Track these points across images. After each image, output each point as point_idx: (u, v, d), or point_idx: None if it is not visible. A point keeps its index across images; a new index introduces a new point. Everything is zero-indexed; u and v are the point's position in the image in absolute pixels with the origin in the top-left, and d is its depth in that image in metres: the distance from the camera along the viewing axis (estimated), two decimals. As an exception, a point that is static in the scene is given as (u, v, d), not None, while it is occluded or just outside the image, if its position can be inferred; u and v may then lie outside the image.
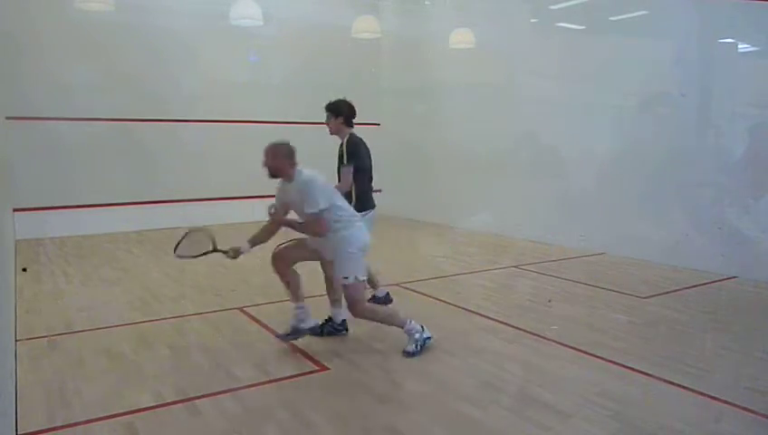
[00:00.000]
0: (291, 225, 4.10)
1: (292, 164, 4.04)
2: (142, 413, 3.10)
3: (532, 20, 8.70)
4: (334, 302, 4.38)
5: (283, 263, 4.14)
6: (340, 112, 4.61)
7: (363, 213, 4.41)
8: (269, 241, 4.18)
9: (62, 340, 4.23)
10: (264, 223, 4.25)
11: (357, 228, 3.99)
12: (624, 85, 7.21)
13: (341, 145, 4.63)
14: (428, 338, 4.01)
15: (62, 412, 3.10)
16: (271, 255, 4.15)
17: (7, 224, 6.42)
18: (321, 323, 4.29)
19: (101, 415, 3.07)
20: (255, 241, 4.16)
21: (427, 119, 10.05)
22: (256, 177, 9.66)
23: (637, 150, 7.12)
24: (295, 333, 4.08)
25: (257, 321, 4.67)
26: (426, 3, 10.67)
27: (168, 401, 3.24)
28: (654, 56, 6.94)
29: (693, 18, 6.71)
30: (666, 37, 6.96)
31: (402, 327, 3.98)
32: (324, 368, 3.73)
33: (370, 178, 4.73)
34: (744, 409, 3.19)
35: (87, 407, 3.16)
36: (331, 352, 4.00)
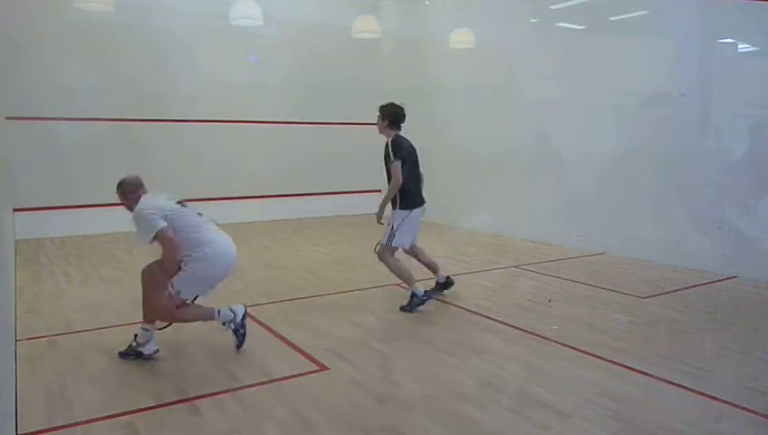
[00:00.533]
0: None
1: (135, 198, 3.85)
2: (142, 413, 3.10)
3: (532, 20, 8.70)
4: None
5: None
6: (385, 116, 4.98)
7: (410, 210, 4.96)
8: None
9: (62, 340, 4.23)
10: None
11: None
12: (624, 85, 7.21)
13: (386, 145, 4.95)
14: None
15: (62, 412, 3.10)
16: None
17: (7, 224, 6.42)
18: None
19: (101, 415, 3.07)
20: None
21: (427, 119, 10.04)
22: (256, 177, 9.74)
23: (637, 150, 7.12)
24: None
25: (257, 321, 4.67)
26: (426, 3, 10.67)
27: (168, 401, 3.24)
28: (654, 56, 6.94)
29: (693, 18, 6.71)
30: (666, 37, 6.96)
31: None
32: (324, 368, 3.73)
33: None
34: (744, 409, 3.19)
35: (87, 407, 3.16)
36: (331, 352, 4.00)
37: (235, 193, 9.70)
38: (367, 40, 9.90)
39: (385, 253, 4.94)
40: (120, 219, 8.79)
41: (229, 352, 4.00)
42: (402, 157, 4.82)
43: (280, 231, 8.95)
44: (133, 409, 3.14)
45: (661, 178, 6.91)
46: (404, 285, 5.04)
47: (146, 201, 3.78)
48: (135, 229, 3.76)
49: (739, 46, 6.51)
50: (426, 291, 4.98)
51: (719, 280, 6.11)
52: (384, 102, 5.06)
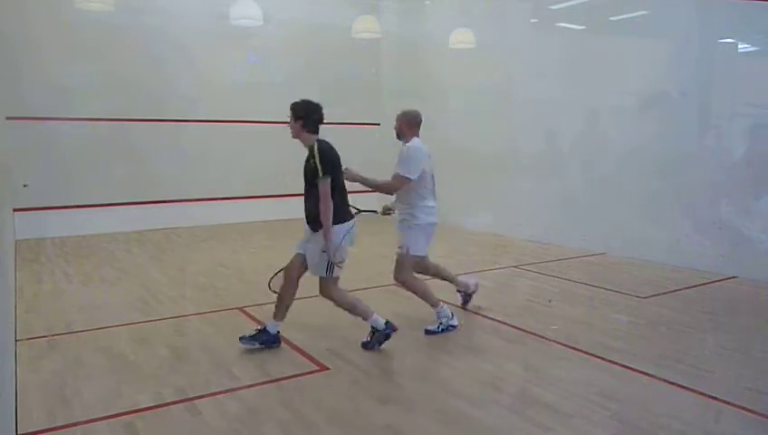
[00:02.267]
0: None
1: (413, 132, 4.43)
2: (142, 413, 3.10)
3: (532, 20, 8.70)
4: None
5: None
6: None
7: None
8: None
9: (62, 340, 4.23)
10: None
11: None
12: (624, 85, 7.20)
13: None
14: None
15: (62, 412, 3.10)
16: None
17: (7, 224, 6.42)
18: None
19: (101, 415, 3.07)
20: None
21: (427, 119, 10.00)
22: (256, 177, 9.71)
23: (637, 150, 7.12)
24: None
25: (257, 321, 4.67)
26: (426, 3, 10.67)
27: (168, 401, 3.24)
28: (654, 56, 6.94)
29: (693, 18, 6.71)
30: (666, 37, 6.96)
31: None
32: (324, 368, 3.73)
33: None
34: (744, 409, 3.19)
35: (87, 407, 3.16)
36: (331, 352, 4.00)
37: (235, 193, 9.70)
38: (367, 40, 9.89)
39: (328, 287, 4.04)
40: (120, 219, 8.89)
41: (229, 353, 4.00)
42: (332, 166, 4.02)
43: (280, 231, 8.94)
44: (133, 409, 3.14)
45: (661, 178, 6.91)
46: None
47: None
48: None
49: (739, 46, 6.51)
50: (386, 321, 4.09)
51: (719, 280, 6.11)
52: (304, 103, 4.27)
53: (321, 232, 3.83)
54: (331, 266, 3.92)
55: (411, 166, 4.27)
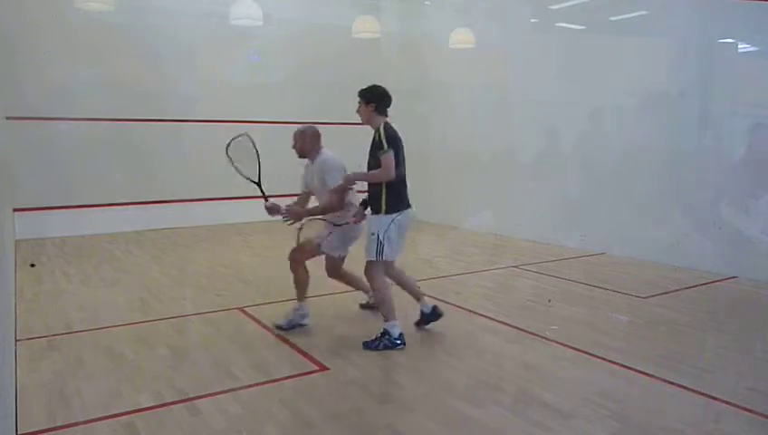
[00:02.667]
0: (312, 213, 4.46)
1: (318, 146, 4.57)
2: (142, 413, 3.10)
3: (532, 20, 8.70)
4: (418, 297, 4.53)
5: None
6: (371, 100, 4.23)
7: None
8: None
9: (62, 340, 4.22)
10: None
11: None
12: (624, 85, 7.20)
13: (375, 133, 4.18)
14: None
15: (62, 412, 3.10)
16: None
17: (7, 224, 6.42)
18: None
19: (101, 415, 3.07)
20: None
21: (427, 119, 10.05)
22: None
23: (637, 150, 7.12)
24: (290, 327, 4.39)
25: (257, 321, 4.67)
26: (426, 3, 10.67)
27: (168, 401, 3.24)
28: (654, 56, 6.94)
29: (693, 18, 6.71)
30: (666, 37, 6.96)
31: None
32: (324, 368, 3.73)
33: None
34: (744, 409, 3.20)
35: (87, 407, 3.16)
36: (331, 352, 4.00)
37: (235, 193, 9.68)
38: (367, 40, 9.89)
39: (374, 269, 4.12)
40: (120, 219, 8.89)
41: (229, 353, 4.00)
42: (394, 148, 4.07)
43: (280, 231, 8.92)
44: (133, 409, 3.14)
45: (661, 178, 6.91)
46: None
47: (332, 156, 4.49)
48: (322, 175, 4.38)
49: (739, 46, 6.51)
50: (401, 334, 4.10)
51: (719, 280, 6.11)
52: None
53: (374, 215, 4.10)
54: (380, 250, 4.04)
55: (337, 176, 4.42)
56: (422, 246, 8.28)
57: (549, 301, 5.31)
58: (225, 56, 9.57)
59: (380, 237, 4.02)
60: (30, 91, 8.08)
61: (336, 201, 4.32)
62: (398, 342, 4.05)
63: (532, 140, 8.46)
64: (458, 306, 5.09)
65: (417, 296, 4.49)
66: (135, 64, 8.81)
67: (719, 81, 6.56)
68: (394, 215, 4.05)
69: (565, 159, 8.05)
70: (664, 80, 6.87)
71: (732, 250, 6.29)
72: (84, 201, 8.61)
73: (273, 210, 4.47)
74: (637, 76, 7.03)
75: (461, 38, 9.11)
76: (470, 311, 4.98)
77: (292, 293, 4.57)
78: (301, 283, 4.49)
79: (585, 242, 7.65)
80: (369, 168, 4.14)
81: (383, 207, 4.04)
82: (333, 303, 5.17)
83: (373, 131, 4.15)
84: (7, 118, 7.65)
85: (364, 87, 4.31)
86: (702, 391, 3.41)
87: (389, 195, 4.05)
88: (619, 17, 7.54)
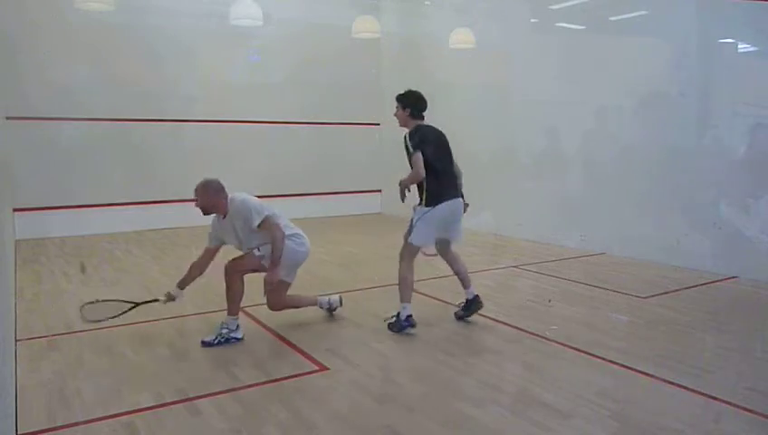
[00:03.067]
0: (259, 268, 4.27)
1: (225, 197, 4.25)
2: (142, 413, 3.10)
3: (532, 20, 8.70)
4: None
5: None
6: (407, 104, 4.60)
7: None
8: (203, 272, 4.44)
9: (62, 340, 4.23)
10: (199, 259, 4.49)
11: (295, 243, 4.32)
12: (624, 85, 7.20)
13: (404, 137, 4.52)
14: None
15: (62, 412, 3.10)
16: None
17: (7, 224, 6.42)
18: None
19: (101, 415, 3.07)
20: (185, 283, 4.38)
21: (427, 119, 10.03)
22: (256, 177, 9.73)
23: (637, 150, 7.13)
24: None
25: (257, 321, 4.67)
26: (426, 3, 10.66)
27: (168, 401, 3.24)
28: (654, 56, 6.94)
29: (693, 18, 6.71)
30: (666, 37, 6.96)
31: None
32: (324, 368, 3.73)
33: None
34: (744, 409, 3.19)
35: (87, 407, 3.16)
36: (331, 352, 4.00)
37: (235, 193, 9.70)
38: (367, 40, 9.90)
39: (404, 250, 4.49)
40: (120, 219, 8.88)
41: (229, 353, 4.00)
42: (422, 147, 4.36)
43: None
44: (133, 409, 3.14)
45: (661, 179, 6.91)
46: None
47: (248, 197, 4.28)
48: (239, 217, 4.18)
49: (739, 46, 6.51)
50: (409, 317, 4.37)
51: (719, 280, 6.11)
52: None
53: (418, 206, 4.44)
54: (410, 234, 4.43)
55: (264, 207, 4.26)
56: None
57: (549, 301, 5.31)
58: (225, 56, 9.58)
59: (413, 223, 4.44)
60: (30, 91, 8.09)
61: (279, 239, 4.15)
62: (406, 324, 4.33)
63: (532, 140, 8.46)
64: (458, 306, 5.09)
65: (465, 284, 4.74)
66: (135, 64, 8.81)
67: (719, 81, 6.56)
68: (429, 208, 4.39)
69: (565, 159, 8.05)
70: (664, 80, 6.87)
71: (732, 250, 6.29)
72: (84, 201, 8.61)
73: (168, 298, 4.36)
74: (637, 76, 7.02)
75: (461, 38, 9.11)
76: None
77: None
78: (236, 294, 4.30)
79: (585, 242, 7.65)
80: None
81: (422, 200, 4.44)
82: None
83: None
84: (7, 118, 7.66)
85: (401, 91, 4.66)
86: (702, 391, 3.41)
87: (427, 190, 4.42)
88: (619, 17, 7.54)
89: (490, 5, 9.15)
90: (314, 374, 3.65)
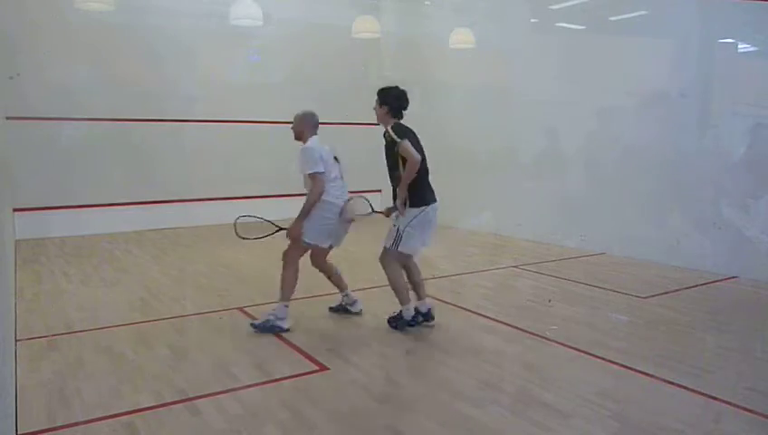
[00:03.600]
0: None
1: (310, 133, 4.45)
2: (142, 413, 3.10)
3: (532, 20, 8.70)
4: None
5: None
6: (385, 101, 4.36)
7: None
8: None
9: (62, 340, 4.22)
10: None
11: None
12: (624, 85, 7.20)
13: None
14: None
15: (62, 412, 3.10)
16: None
17: (7, 224, 6.42)
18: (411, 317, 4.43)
19: (101, 415, 3.07)
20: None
21: (427, 118, 10.02)
22: (256, 176, 9.71)
23: (637, 150, 7.12)
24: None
25: (257, 321, 4.66)
26: (426, 3, 10.66)
27: (168, 401, 3.24)
28: (654, 56, 6.94)
29: (693, 18, 6.71)
30: (666, 37, 6.96)
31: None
32: (324, 368, 3.73)
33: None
34: (744, 409, 3.20)
35: (87, 407, 3.16)
36: (331, 352, 4.00)
37: (235, 193, 9.70)
38: (367, 40, 9.89)
39: (387, 258, 4.34)
40: (120, 219, 8.88)
41: (229, 353, 4.00)
42: (409, 138, 4.19)
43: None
44: (133, 409, 3.14)
45: (661, 178, 6.91)
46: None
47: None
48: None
49: (739, 46, 6.51)
50: (415, 316, 4.41)
51: (719, 280, 6.11)
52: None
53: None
54: (397, 242, 4.27)
55: (317, 163, 4.32)
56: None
57: (549, 301, 5.31)
58: (225, 56, 9.57)
59: (400, 230, 4.25)
60: (30, 91, 8.08)
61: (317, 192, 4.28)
62: (413, 323, 4.36)
63: (532, 140, 8.46)
64: (458, 306, 5.09)
65: (419, 295, 4.51)
66: (135, 64, 8.81)
67: (719, 81, 6.56)
68: (415, 210, 4.22)
69: (565, 159, 8.05)
70: (664, 80, 6.87)
71: (732, 250, 6.29)
72: (84, 201, 8.61)
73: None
74: (637, 76, 7.02)
75: (461, 38, 9.11)
76: (470, 311, 4.98)
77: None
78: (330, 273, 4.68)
79: (585, 242, 7.65)
80: (389, 170, 4.32)
81: (406, 202, 4.23)
82: (334, 302, 5.17)
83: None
84: (7, 118, 7.65)
85: (383, 86, 4.38)
86: (702, 391, 3.41)
87: (413, 192, 4.22)
88: (619, 17, 7.54)
89: (490, 5, 9.15)
90: (314, 374, 3.65)
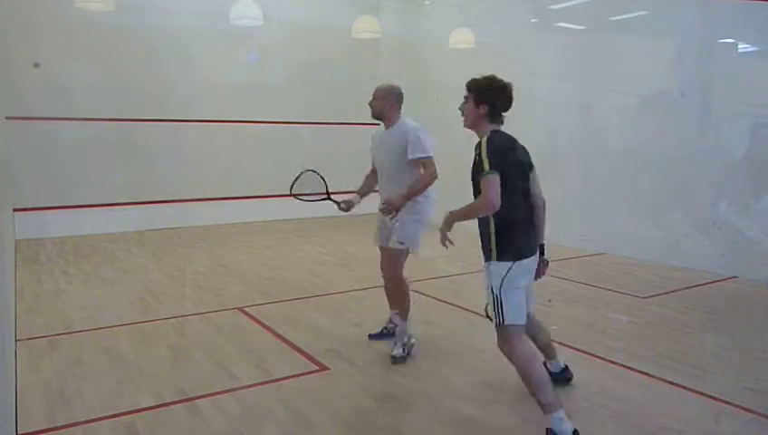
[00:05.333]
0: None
1: (400, 108, 4.02)
2: (142, 413, 3.10)
3: (533, 20, 8.70)
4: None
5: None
6: (485, 98, 3.16)
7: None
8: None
9: (61, 340, 4.23)
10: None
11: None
12: (624, 85, 7.20)
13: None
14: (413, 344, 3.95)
15: (62, 412, 3.10)
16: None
17: (7, 224, 6.41)
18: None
19: (101, 415, 3.07)
20: (363, 190, 4.17)
21: (427, 118, 10.02)
22: (256, 177, 9.74)
23: (637, 150, 7.13)
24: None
25: (257, 321, 4.67)
26: (426, 3, 10.66)
27: (168, 401, 3.25)
28: (654, 56, 6.94)
29: (693, 18, 6.71)
30: (666, 37, 6.96)
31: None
32: (324, 368, 3.73)
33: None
34: (744, 409, 3.19)
35: (87, 407, 3.16)
36: (331, 352, 4.00)
37: (235, 193, 9.70)
38: (367, 40, 9.89)
39: (503, 337, 3.05)
40: (120, 219, 8.88)
41: (229, 353, 4.00)
42: (501, 168, 2.91)
43: (280, 231, 8.94)
44: (133, 409, 3.14)
45: (661, 178, 6.91)
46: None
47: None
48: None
49: (739, 46, 6.51)
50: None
51: (719, 280, 6.11)
52: None
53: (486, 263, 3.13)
54: (500, 310, 3.03)
55: (429, 144, 3.96)
56: (422, 246, 8.28)
57: (549, 301, 5.31)
58: (225, 56, 9.58)
59: (496, 293, 2.98)
60: (30, 91, 8.08)
61: (429, 179, 3.91)
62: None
63: (532, 140, 8.33)
64: (458, 306, 5.09)
65: (549, 354, 3.53)
66: (135, 64, 8.81)
67: (719, 81, 6.56)
68: (509, 263, 2.93)
69: (565, 159, 8.05)
70: (664, 80, 6.87)
71: (732, 250, 6.29)
72: (84, 201, 8.61)
73: (349, 205, 4.14)
74: (637, 76, 7.02)
75: (461, 38, 9.11)
76: (470, 311, 4.98)
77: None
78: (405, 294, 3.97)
79: (585, 242, 7.65)
80: (474, 192, 3.08)
81: (494, 251, 3.02)
82: (334, 303, 5.17)
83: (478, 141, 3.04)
84: (7, 118, 7.65)
85: (477, 77, 3.23)
86: (702, 391, 3.41)
87: (499, 235, 3.00)
88: (619, 17, 7.54)
89: (490, 5, 9.15)
90: (314, 374, 3.65)
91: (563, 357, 3.62)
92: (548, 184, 8.40)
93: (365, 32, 9.40)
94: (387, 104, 3.99)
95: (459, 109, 3.31)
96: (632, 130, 7.23)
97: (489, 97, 3.14)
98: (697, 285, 5.92)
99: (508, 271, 2.93)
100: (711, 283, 6.03)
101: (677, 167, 6.75)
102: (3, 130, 7.11)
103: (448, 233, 3.23)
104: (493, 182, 2.86)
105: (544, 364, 3.25)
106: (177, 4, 9.15)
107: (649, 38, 7.12)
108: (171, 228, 9.04)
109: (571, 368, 3.77)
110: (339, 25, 9.78)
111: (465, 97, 3.26)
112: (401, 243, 3.88)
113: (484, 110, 3.15)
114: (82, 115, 8.47)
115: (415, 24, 10.65)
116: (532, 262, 3.02)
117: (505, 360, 3.93)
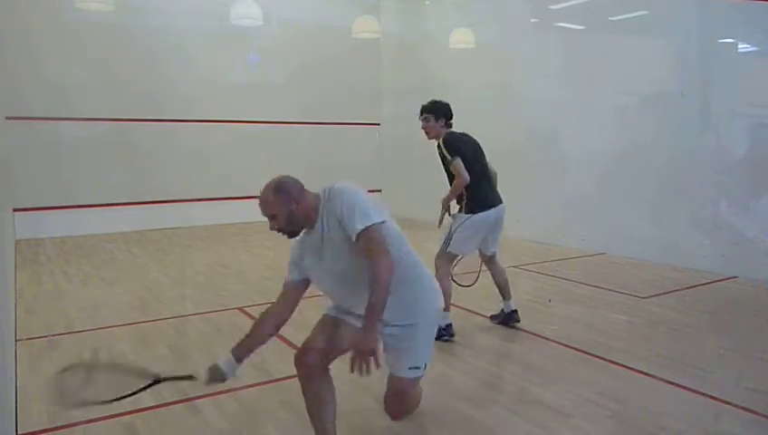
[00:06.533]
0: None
1: (309, 194, 2.68)
2: (142, 413, 3.10)
3: (533, 20, 8.70)
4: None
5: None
6: (439, 114, 4.54)
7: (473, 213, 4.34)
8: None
9: (62, 340, 4.23)
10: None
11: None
12: (624, 85, 7.20)
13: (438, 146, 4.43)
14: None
15: (62, 412, 3.09)
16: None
17: (7, 224, 6.42)
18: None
19: (101, 415, 3.06)
20: (245, 349, 2.69)
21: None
22: (256, 177, 9.63)
23: (637, 150, 7.12)
24: None
25: (257, 321, 4.66)
26: (426, 3, 10.67)
27: (168, 401, 3.24)
28: (654, 56, 6.94)
29: (693, 18, 6.71)
30: (666, 37, 6.96)
31: None
32: (324, 368, 3.72)
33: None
34: (744, 409, 3.19)
35: (87, 407, 3.16)
36: (331, 352, 3.99)
37: (235, 193, 9.70)
38: (367, 40, 9.90)
39: (440, 259, 4.35)
40: (120, 219, 8.89)
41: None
42: (461, 153, 4.36)
43: (280, 231, 8.93)
44: (133, 409, 3.14)
45: (661, 178, 6.91)
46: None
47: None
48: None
49: (739, 46, 6.51)
50: (448, 326, 4.25)
51: (719, 280, 6.11)
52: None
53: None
54: (447, 242, 4.30)
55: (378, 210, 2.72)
56: (422, 247, 8.26)
57: (549, 301, 5.31)
58: (225, 56, 9.58)
59: (452, 231, 4.31)
60: (30, 91, 8.09)
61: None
62: (444, 333, 4.15)
63: (532, 140, 8.46)
64: (458, 306, 5.09)
65: (504, 294, 4.61)
66: (134, 65, 8.82)
67: (719, 81, 6.55)
68: (470, 214, 4.30)
69: (565, 159, 8.05)
70: (664, 80, 6.86)
71: (732, 250, 6.29)
72: (84, 201, 8.61)
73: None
74: (637, 76, 7.02)
75: (461, 38, 9.12)
76: (470, 311, 4.98)
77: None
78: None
79: (585, 242, 7.65)
80: (448, 180, 4.41)
81: (463, 207, 4.37)
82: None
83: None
84: (7, 118, 7.66)
85: (426, 103, 4.52)
86: (702, 391, 3.41)
87: (467, 197, 4.35)
88: (619, 17, 7.54)
89: (490, 5, 9.15)
90: (314, 374, 3.64)
91: (563, 357, 3.62)
92: (548, 184, 8.45)
93: (365, 32, 9.41)
94: (289, 207, 2.65)
95: (422, 128, 4.48)
96: (632, 129, 7.23)
97: (446, 113, 4.55)
98: (697, 285, 5.92)
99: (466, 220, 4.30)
100: (711, 283, 6.03)
101: (677, 167, 6.75)
102: (3, 130, 7.11)
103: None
104: (459, 164, 4.26)
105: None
106: (177, 4, 9.16)
107: (649, 38, 7.12)
108: (171, 228, 9.04)
109: (572, 368, 3.78)
110: (339, 25, 9.79)
111: (426, 118, 4.47)
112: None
113: (442, 123, 4.49)
114: (82, 115, 8.48)
115: (415, 24, 10.65)
116: (488, 215, 4.32)
117: (505, 360, 3.94)
